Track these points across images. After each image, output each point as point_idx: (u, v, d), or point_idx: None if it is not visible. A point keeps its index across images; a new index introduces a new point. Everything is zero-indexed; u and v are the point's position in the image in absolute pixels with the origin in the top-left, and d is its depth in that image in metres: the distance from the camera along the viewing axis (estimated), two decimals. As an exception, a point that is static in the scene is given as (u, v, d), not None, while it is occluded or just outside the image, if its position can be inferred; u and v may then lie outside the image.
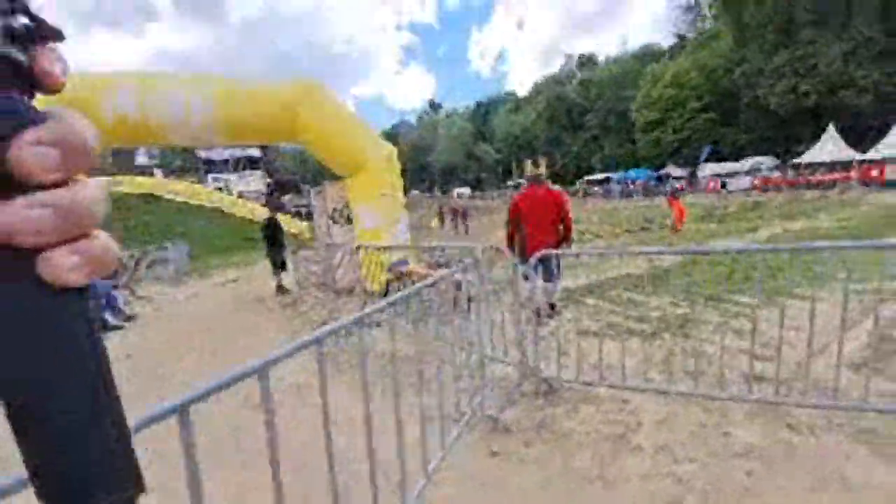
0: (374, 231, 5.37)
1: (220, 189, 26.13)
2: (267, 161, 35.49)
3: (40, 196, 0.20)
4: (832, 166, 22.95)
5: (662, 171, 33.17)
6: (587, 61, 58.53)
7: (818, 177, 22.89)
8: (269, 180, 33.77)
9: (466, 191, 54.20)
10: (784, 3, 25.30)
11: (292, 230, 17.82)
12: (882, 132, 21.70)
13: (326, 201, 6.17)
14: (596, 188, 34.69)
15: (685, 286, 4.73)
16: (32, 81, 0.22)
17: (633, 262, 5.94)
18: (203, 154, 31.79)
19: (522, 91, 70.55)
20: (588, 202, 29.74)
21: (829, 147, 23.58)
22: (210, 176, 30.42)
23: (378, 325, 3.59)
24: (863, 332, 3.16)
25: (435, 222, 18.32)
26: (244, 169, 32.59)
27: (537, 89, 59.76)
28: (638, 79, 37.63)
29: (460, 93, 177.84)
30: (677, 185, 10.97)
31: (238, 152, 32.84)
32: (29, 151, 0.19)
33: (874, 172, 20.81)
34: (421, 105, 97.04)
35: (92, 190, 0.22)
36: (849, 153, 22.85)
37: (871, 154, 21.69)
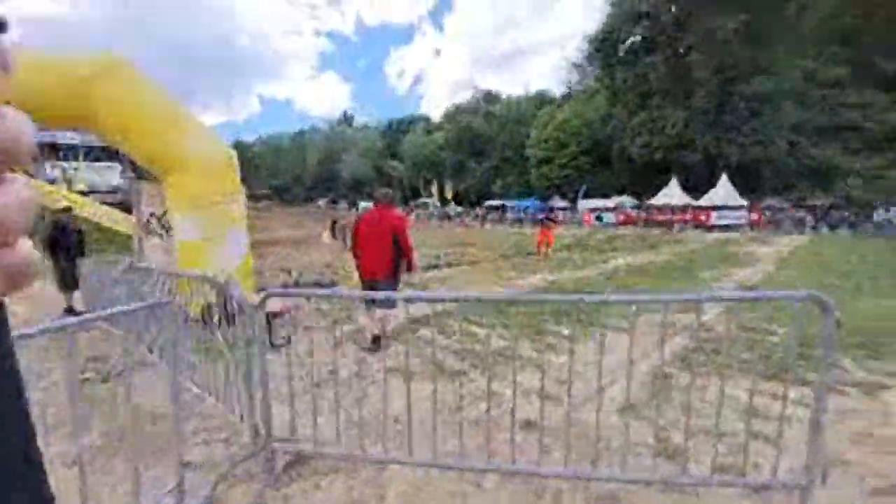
0: (195, 244, 4.52)
1: (50, 182, 21.36)
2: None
3: None
4: (675, 209, 27.97)
5: (549, 203, 36.82)
6: (491, 97, 63.33)
7: (663, 217, 27.65)
8: (130, 174, 28.76)
9: (370, 206, 53.33)
10: (642, 75, 30.61)
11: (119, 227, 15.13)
12: (711, 184, 27.22)
13: (142, 206, 5.11)
14: (492, 214, 36.85)
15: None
16: None
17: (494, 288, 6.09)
18: (48, 138, 25.88)
19: (436, 114, 73.20)
20: (486, 226, 31.32)
21: (672, 193, 28.72)
22: (48, 164, 24.74)
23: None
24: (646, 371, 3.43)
25: (326, 235, 17.26)
26: (97, 159, 27.31)
27: (448, 116, 62.50)
28: (533, 119, 41.62)
29: (375, 108, 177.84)
30: (549, 216, 11.90)
31: (94, 138, 27.45)
32: None
33: (702, 217, 25.84)
34: (334, 114, 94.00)
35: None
36: (686, 199, 28.10)
37: (702, 202, 26.99)
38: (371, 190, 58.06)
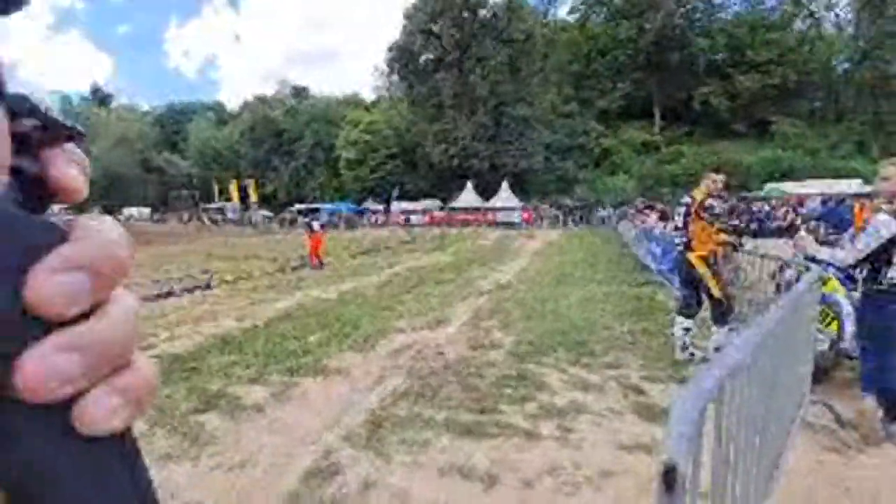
0: None
1: None
2: None
3: (65, 336, 0.16)
4: (469, 210, 31.80)
5: (363, 206, 36.49)
6: (300, 92, 58.92)
7: (463, 217, 31.06)
8: None
9: (144, 211, 42.04)
10: (434, 89, 33.79)
11: None
12: (496, 189, 32.01)
13: None
14: (301, 218, 34.00)
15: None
16: (46, 192, 0.19)
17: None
18: None
19: (233, 105, 63.14)
20: (289, 234, 28.45)
21: (468, 196, 32.55)
22: None
23: None
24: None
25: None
26: None
27: (247, 106, 54.77)
28: (342, 120, 40.43)
29: (150, 89, 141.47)
30: (310, 221, 10.77)
31: None
32: (51, 283, 0.16)
33: (489, 216, 30.09)
34: (84, 90, 69.95)
35: (124, 308, 0.18)
36: (479, 202, 32.28)
37: (490, 203, 31.48)
38: (142, 192, 45.82)
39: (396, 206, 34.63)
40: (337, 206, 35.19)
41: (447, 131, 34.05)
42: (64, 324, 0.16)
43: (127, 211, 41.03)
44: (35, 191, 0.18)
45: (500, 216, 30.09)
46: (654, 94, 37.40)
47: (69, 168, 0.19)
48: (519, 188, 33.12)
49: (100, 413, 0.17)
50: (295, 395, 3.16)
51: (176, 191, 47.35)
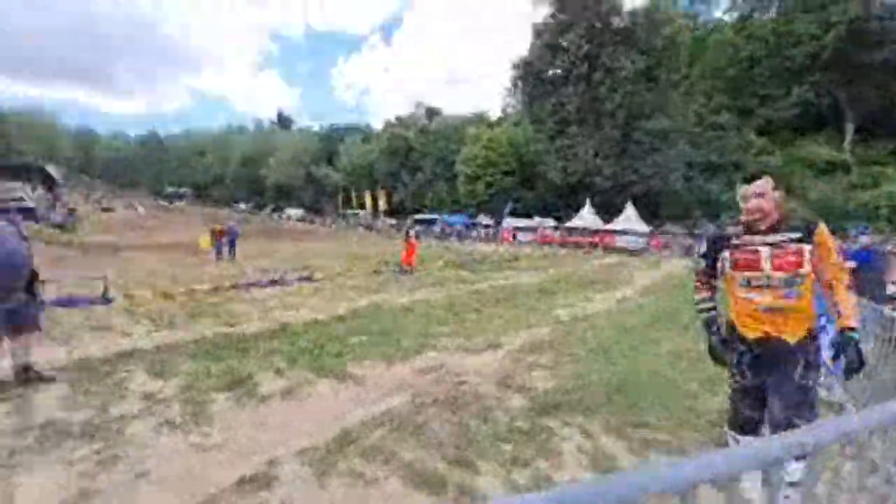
0: None
1: None
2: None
3: None
4: (586, 231, 29.45)
5: (476, 220, 37.19)
6: (432, 113, 63.90)
7: (577, 238, 28.98)
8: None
9: (298, 212, 50.57)
10: (559, 104, 32.46)
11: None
12: (620, 210, 29.06)
13: None
14: (419, 227, 36.38)
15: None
16: None
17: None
18: None
19: (377, 126, 72.14)
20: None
21: (586, 216, 30.27)
22: None
23: None
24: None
25: (204, 241, 15.34)
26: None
27: (387, 126, 61.73)
28: (465, 137, 42.21)
29: (322, 114, 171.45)
30: (409, 231, 11.39)
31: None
32: None
33: (606, 240, 27.39)
34: (273, 115, 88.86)
35: None
36: (598, 223, 29.72)
37: (611, 225, 28.69)
38: (302, 197, 55.31)
39: (508, 222, 34.28)
40: (451, 218, 36.66)
41: (568, 147, 32.43)
42: None
43: (288, 211, 50.07)
44: None
45: (621, 240, 27.15)
46: (843, 102, 29.32)
47: None
48: (647, 210, 29.47)
49: None
50: (303, 395, 3.21)
51: (325, 198, 55.94)
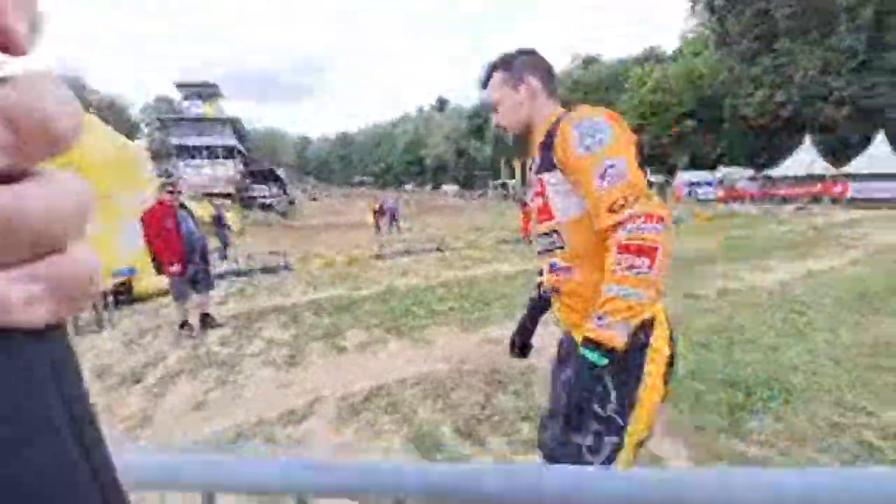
0: (94, 238, 5.22)
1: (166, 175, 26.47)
2: (238, 147, 35.80)
3: None
4: (806, 179, 22.00)
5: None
6: (591, 62, 57.30)
7: (786, 191, 22.03)
8: (242, 169, 34.16)
9: (454, 188, 54.00)
10: (763, 12, 24.22)
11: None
12: (864, 147, 20.68)
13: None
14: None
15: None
16: None
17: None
18: (176, 140, 32.31)
19: (527, 89, 69.49)
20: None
21: (804, 160, 22.62)
22: (182, 163, 30.92)
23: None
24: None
25: (370, 219, 18.18)
26: (216, 157, 32.99)
27: (536, 88, 58.97)
28: (625, 81, 36.66)
29: (476, 89, 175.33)
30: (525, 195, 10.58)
31: (212, 139, 33.27)
32: None
33: (837, 189, 19.91)
34: (430, 100, 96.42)
35: (64, 183, 0.15)
36: (823, 167, 21.87)
37: (847, 169, 20.73)
38: (455, 173, 59.20)
39: (683, 176, 28.63)
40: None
41: (776, 69, 24.40)
42: None
43: (444, 188, 54.14)
44: None
45: (863, 188, 19.32)
46: None
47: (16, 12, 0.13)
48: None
49: (13, 297, 0.14)
50: (374, 351, 3.61)
51: (477, 172, 58.05)
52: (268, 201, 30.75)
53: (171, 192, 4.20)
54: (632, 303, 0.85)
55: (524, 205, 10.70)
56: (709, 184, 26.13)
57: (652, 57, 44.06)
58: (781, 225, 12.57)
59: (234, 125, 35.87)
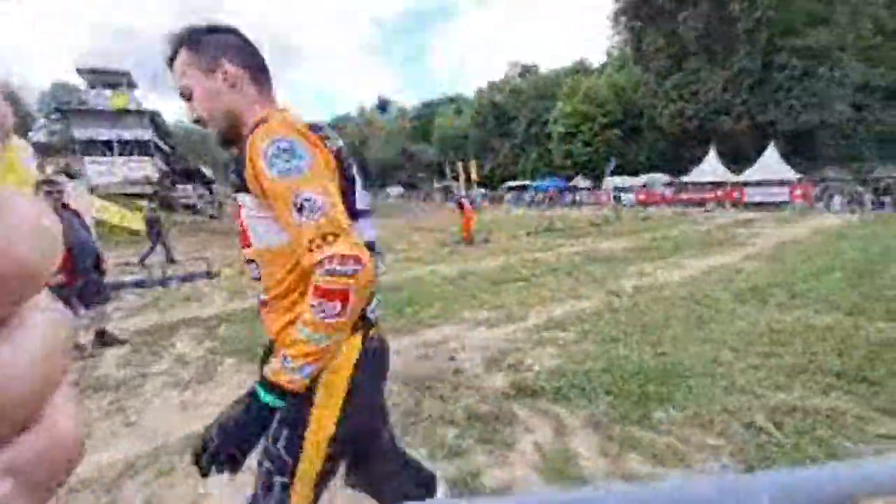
0: None
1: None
2: (159, 142, 32.53)
3: None
4: (706, 186, 24.79)
5: (572, 183, 34.47)
6: (527, 71, 59.95)
7: (694, 195, 24.67)
8: (163, 167, 31.03)
9: (398, 190, 53.60)
10: (673, 33, 27.01)
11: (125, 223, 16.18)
12: (758, 156, 23.69)
13: None
14: (508, 195, 35.40)
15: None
16: None
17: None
18: (80, 134, 28.52)
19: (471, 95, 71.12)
20: (493, 210, 30.15)
21: (710, 167, 25.48)
22: (88, 159, 27.26)
23: None
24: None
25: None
26: (131, 153, 29.59)
27: (478, 94, 60.33)
28: (558, 92, 38.80)
29: (416, 92, 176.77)
30: (461, 199, 10.97)
31: (126, 133, 29.84)
32: None
33: (735, 194, 22.69)
34: (373, 100, 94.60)
35: (35, 336, 0.12)
36: (725, 174, 24.77)
37: (744, 176, 23.63)
38: (400, 175, 58.67)
39: (610, 182, 30.94)
40: (542, 183, 34.64)
41: (686, 86, 27.33)
42: None
43: (387, 190, 53.48)
44: None
45: (758, 193, 22.21)
46: None
47: None
48: (796, 154, 23.45)
49: None
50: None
51: (421, 174, 58.10)
52: (192, 202, 28.23)
53: (49, 193, 3.62)
54: (316, 348, 0.81)
55: (460, 205, 10.86)
56: (632, 189, 28.54)
57: (579, 70, 47.24)
58: (692, 225, 14.02)
59: (153, 118, 32.37)
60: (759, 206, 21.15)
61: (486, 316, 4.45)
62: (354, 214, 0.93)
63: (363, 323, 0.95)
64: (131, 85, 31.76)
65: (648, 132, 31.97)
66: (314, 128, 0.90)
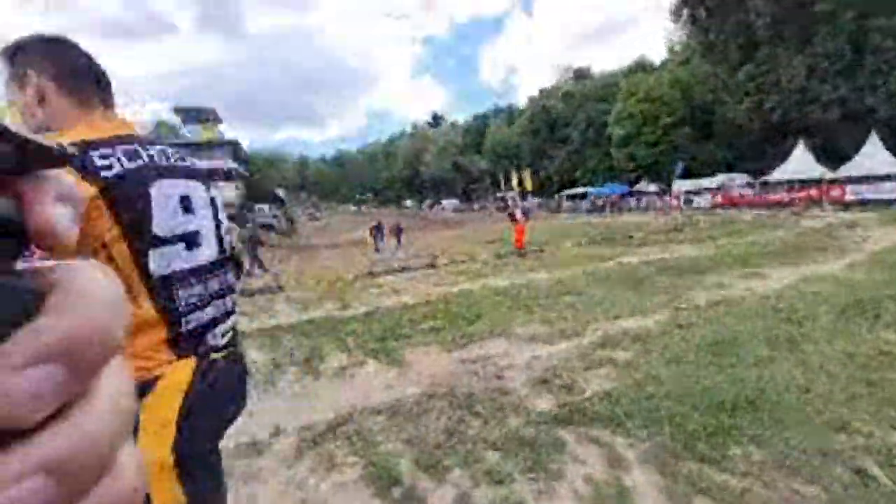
0: None
1: None
2: (239, 168, 36.15)
3: (29, 456, 0.11)
4: (804, 184, 21.93)
5: (636, 187, 32.51)
6: (581, 74, 58.25)
7: (781, 196, 21.97)
8: (243, 191, 34.37)
9: (453, 202, 54.23)
10: (742, 22, 24.66)
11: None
12: (855, 149, 20.66)
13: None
14: (566, 203, 34.23)
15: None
16: (21, 237, 0.13)
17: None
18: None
19: (524, 103, 70.69)
20: (549, 219, 29.32)
21: (799, 164, 22.66)
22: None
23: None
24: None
25: (367, 238, 18.12)
26: (217, 179, 33.20)
27: (530, 102, 59.62)
28: (616, 93, 37.09)
29: (469, 104, 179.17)
30: (516, 209, 10.62)
31: (213, 162, 33.57)
32: (13, 386, 0.11)
33: (834, 192, 19.84)
34: (428, 117, 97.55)
35: (110, 400, 0.13)
36: (818, 171, 21.84)
37: (842, 172, 20.66)
38: (454, 188, 59.52)
39: (679, 185, 28.65)
40: (601, 189, 33.02)
41: (762, 75, 24.70)
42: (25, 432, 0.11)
43: (443, 203, 54.39)
44: (6, 235, 0.13)
45: (861, 191, 19.22)
46: None
47: (51, 206, 0.13)
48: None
49: None
50: (350, 375, 3.45)
51: (475, 185, 58.38)
52: (268, 222, 30.96)
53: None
54: None
55: (512, 217, 10.64)
56: (705, 191, 26.18)
57: (639, 69, 44.72)
58: (779, 230, 12.45)
59: (234, 148, 36.25)
60: (863, 204, 18.25)
61: (537, 331, 4.25)
62: (149, 244, 0.83)
63: (187, 350, 0.88)
64: (217, 120, 35.89)
65: (721, 129, 29.25)
66: (100, 144, 0.80)
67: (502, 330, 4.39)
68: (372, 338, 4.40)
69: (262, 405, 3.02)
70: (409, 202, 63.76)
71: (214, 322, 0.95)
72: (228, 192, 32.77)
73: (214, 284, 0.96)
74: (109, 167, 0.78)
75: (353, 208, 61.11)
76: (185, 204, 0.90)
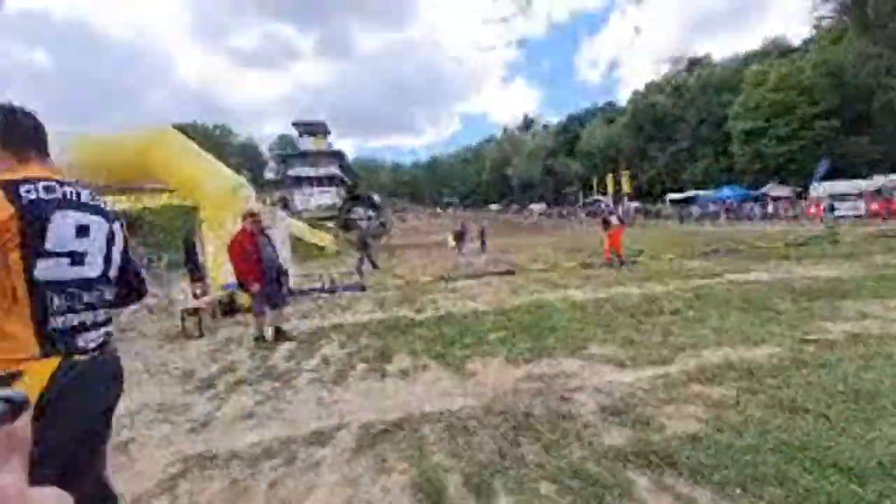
0: (214, 259, 6.21)
1: (281, 203, 30.17)
2: (341, 176, 39.84)
3: None
4: None
5: (761, 191, 27.82)
6: (694, 64, 52.04)
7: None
8: (344, 195, 37.83)
9: (541, 206, 52.59)
10: None
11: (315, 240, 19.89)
12: None
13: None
14: (670, 209, 30.77)
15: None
16: None
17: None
18: (293, 172, 37.31)
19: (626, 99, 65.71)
20: (650, 227, 26.67)
21: None
22: (296, 192, 35.52)
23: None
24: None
25: (451, 241, 18.56)
26: (322, 185, 37.17)
27: (634, 99, 54.99)
28: (739, 82, 32.30)
29: (564, 106, 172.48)
30: (605, 215, 9.62)
31: (321, 170, 37.67)
32: None
33: None
34: (518, 120, 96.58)
35: None
36: None
37: None
38: (542, 191, 58.08)
39: (820, 188, 23.74)
40: (716, 193, 28.84)
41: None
42: None
43: (531, 206, 53.08)
44: None
45: None
46: None
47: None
48: None
49: None
50: (413, 378, 3.53)
51: (566, 188, 55.81)
52: (363, 224, 33.61)
53: (253, 221, 4.77)
54: None
55: (606, 224, 9.83)
56: (857, 196, 21.33)
57: (770, 52, 38.07)
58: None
59: (339, 157, 40.29)
60: None
61: (616, 353, 3.86)
62: (39, 255, 1.06)
63: (54, 349, 1.07)
64: (326, 132, 40.25)
65: (882, 122, 23.57)
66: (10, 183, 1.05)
67: (576, 347, 4.08)
68: (439, 343, 4.45)
69: (334, 396, 3.26)
70: (494, 205, 63.57)
71: (83, 327, 1.14)
72: (333, 196, 36.52)
73: (89, 297, 1.17)
74: (28, 194, 1.06)
75: (440, 211, 63.06)
76: (81, 231, 1.15)
